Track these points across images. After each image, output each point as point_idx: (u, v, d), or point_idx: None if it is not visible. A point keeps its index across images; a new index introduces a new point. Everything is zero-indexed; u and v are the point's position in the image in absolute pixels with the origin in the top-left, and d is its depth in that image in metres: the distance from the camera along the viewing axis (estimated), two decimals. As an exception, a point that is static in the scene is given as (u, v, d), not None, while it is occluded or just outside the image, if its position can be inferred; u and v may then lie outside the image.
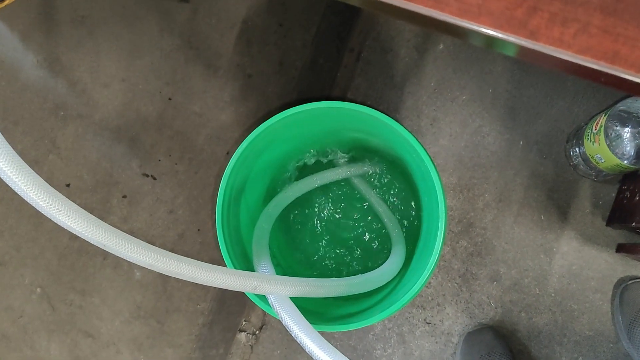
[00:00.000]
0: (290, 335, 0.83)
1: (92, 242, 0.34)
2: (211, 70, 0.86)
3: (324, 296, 0.56)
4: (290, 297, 0.52)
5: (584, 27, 0.28)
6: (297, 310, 0.50)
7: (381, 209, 0.79)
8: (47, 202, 0.32)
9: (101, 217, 0.83)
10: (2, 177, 0.31)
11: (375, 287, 0.64)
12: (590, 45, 0.28)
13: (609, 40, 0.28)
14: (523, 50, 0.29)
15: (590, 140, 0.73)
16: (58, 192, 0.33)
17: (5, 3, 0.90)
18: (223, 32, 0.86)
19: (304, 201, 0.83)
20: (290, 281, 0.51)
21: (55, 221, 0.33)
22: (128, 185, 0.84)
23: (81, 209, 0.34)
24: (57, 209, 0.32)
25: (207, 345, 0.83)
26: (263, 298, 0.60)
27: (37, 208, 0.32)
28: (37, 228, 0.83)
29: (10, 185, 0.31)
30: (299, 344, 0.83)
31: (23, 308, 0.83)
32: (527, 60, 0.32)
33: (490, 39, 0.29)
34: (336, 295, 0.58)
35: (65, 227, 0.33)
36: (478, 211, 0.83)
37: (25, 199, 0.32)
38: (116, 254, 0.35)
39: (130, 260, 0.36)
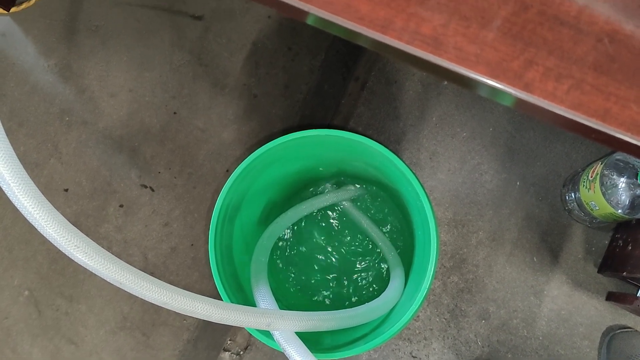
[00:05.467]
0: (275, 358, 0.83)
1: (108, 280, 0.35)
2: (218, 87, 0.87)
3: (334, 329, 0.56)
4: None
5: (577, 84, 0.29)
6: (305, 346, 0.49)
7: (374, 233, 0.79)
8: (66, 239, 0.32)
9: (96, 225, 0.84)
10: (24, 213, 0.31)
11: (383, 314, 0.64)
12: (582, 101, 0.29)
13: (601, 98, 0.29)
14: (518, 101, 0.30)
15: (586, 187, 0.73)
16: (80, 232, 0.33)
17: (23, 6, 0.92)
18: (232, 52, 0.88)
19: (297, 231, 0.84)
20: (302, 316, 0.51)
21: (73, 258, 0.34)
22: (125, 195, 0.85)
23: (101, 248, 0.34)
24: (75, 246, 0.33)
25: (190, 361, 0.83)
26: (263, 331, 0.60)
27: (56, 245, 0.33)
28: (32, 230, 0.83)
29: (32, 222, 0.32)
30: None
31: (9, 310, 0.83)
32: (522, 112, 0.32)
33: (487, 88, 0.30)
34: (347, 326, 0.57)
35: (84, 266, 0.34)
36: (471, 248, 0.83)
37: (45, 235, 0.33)
38: (130, 292, 0.36)
39: (144, 298, 0.36)
